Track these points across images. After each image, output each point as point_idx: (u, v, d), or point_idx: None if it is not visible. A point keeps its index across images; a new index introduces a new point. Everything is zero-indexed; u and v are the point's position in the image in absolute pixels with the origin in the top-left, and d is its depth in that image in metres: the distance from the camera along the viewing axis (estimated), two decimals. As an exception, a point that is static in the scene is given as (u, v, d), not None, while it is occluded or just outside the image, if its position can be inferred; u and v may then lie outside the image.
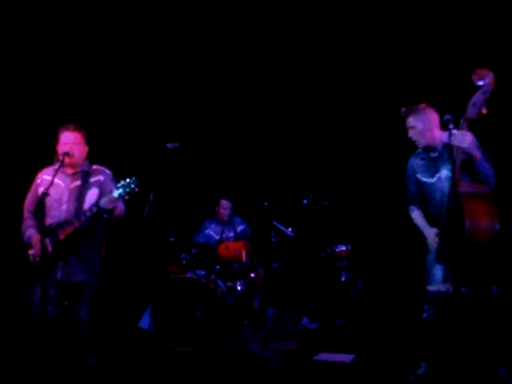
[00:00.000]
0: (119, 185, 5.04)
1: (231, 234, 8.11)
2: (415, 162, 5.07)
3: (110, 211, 5.20)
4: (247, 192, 8.58)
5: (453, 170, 4.43)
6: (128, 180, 5.03)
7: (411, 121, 4.89)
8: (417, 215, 5.07)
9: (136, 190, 5.05)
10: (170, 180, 7.48)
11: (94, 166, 5.51)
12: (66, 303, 5.21)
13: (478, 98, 4.41)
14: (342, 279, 7.53)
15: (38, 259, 5.09)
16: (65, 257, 5.18)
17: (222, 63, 8.36)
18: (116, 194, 5.02)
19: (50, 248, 5.10)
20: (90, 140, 5.59)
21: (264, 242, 7.85)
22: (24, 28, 7.48)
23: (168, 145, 6.29)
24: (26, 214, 5.43)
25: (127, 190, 5.02)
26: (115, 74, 8.28)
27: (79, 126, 5.42)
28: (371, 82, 8.00)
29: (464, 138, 4.39)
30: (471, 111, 4.42)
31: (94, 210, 5.08)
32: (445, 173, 4.81)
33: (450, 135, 4.40)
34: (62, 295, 5.25)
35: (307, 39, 7.96)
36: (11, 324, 6.72)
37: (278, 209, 7.80)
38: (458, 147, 4.42)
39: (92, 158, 5.61)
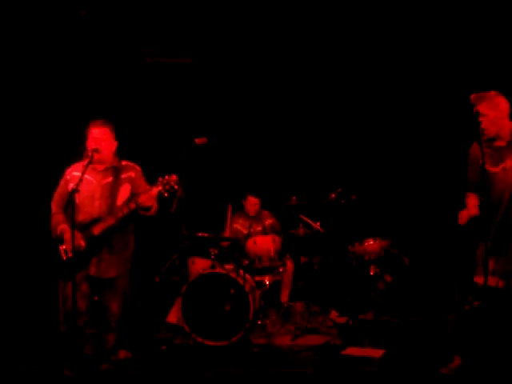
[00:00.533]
0: (159, 182, 5.05)
1: (259, 229, 8.10)
2: (480, 149, 4.79)
3: (148, 208, 5.21)
4: (275, 186, 8.55)
5: None
6: (168, 177, 5.05)
7: (483, 108, 4.76)
8: (470, 198, 4.92)
9: (176, 187, 5.06)
10: (198, 175, 7.51)
11: (124, 162, 5.53)
12: (96, 298, 5.24)
13: None
14: (371, 273, 7.49)
15: (70, 254, 5.11)
16: (98, 253, 5.21)
17: (249, 59, 8.36)
18: (156, 190, 5.04)
19: (83, 244, 5.12)
20: (118, 135, 5.62)
21: (292, 235, 7.84)
22: (47, 24, 7.50)
23: (196, 140, 6.31)
24: (54, 208, 5.46)
25: (167, 187, 5.04)
26: (144, 71, 8.33)
27: (108, 121, 5.43)
28: (403, 72, 7.96)
29: None
30: None
31: (133, 206, 5.10)
32: (510, 164, 4.73)
33: None
34: (94, 290, 5.29)
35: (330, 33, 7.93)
36: (43, 319, 6.79)
37: (306, 203, 7.76)
38: None
39: (121, 152, 5.64)
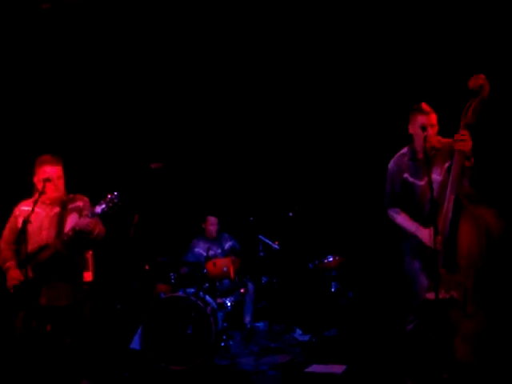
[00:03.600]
0: (102, 201, 5.06)
1: (219, 251, 8.12)
2: (403, 162, 4.93)
3: (90, 231, 5.18)
4: (233, 208, 8.58)
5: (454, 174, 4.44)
6: (110, 196, 5.06)
7: (434, 119, 4.78)
8: (404, 217, 4.88)
9: (119, 204, 5.07)
10: (155, 200, 7.51)
11: (71, 195, 5.49)
12: (48, 328, 5.19)
13: (476, 104, 4.42)
14: (332, 290, 7.54)
15: (18, 285, 5.08)
16: (47, 281, 5.17)
17: (204, 82, 8.37)
18: (99, 209, 5.03)
19: (30, 274, 5.06)
20: (72, 164, 5.59)
21: (252, 256, 7.88)
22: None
23: (151, 165, 6.32)
24: (2, 245, 5.40)
25: (110, 205, 5.04)
26: (98, 94, 8.29)
27: (58, 157, 5.36)
28: (356, 95, 8.03)
29: (466, 143, 4.39)
30: (471, 117, 4.43)
31: (76, 229, 5.08)
32: (434, 176, 4.69)
33: (455, 140, 4.43)
34: (46, 320, 5.24)
35: (297, 50, 7.99)
36: None
37: (264, 223, 7.81)
38: (460, 151, 4.42)
39: (74, 181, 5.62)
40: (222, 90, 8.47)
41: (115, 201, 5.05)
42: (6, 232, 5.44)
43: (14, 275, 5.09)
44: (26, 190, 5.52)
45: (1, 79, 7.65)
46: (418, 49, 7.27)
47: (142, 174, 6.16)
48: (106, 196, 5.06)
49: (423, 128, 4.70)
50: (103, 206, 5.04)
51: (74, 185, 5.58)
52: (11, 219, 5.43)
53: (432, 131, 4.73)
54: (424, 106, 4.82)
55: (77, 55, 7.82)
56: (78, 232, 5.07)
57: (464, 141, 4.40)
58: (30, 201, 5.35)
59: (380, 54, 7.57)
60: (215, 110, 8.66)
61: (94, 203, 5.21)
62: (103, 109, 8.39)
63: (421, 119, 4.75)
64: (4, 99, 7.75)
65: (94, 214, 5.05)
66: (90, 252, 7.35)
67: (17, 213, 5.39)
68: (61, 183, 5.33)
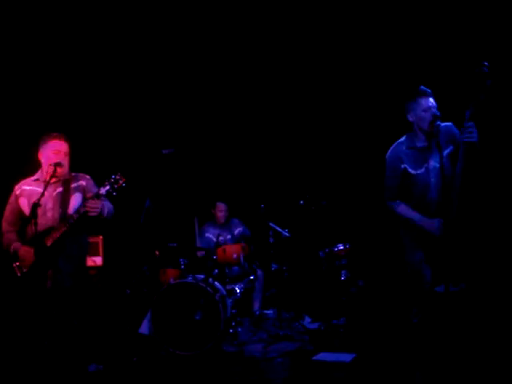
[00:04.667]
0: (106, 182, 5.05)
1: (229, 237, 8.14)
2: (401, 151, 4.86)
3: (97, 213, 5.16)
4: (244, 194, 8.58)
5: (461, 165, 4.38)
6: (114, 176, 5.04)
7: (433, 101, 4.76)
8: (406, 209, 4.81)
9: (123, 185, 5.05)
10: (167, 185, 7.51)
11: (74, 173, 5.46)
12: (55, 312, 5.19)
13: (482, 94, 4.33)
14: (342, 278, 7.52)
15: (25, 270, 5.08)
16: (53, 264, 5.16)
17: (216, 67, 8.36)
18: (103, 191, 5.02)
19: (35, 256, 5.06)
20: (84, 149, 5.59)
21: (262, 243, 7.88)
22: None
23: (163, 151, 6.31)
24: (6, 227, 5.36)
25: (115, 186, 5.02)
26: (111, 79, 8.27)
27: (65, 135, 5.34)
28: (367, 82, 7.99)
29: (473, 135, 4.36)
30: (476, 106, 4.36)
31: (82, 210, 5.05)
32: (432, 164, 4.71)
33: (465, 133, 4.36)
34: (53, 304, 5.24)
35: (296, 47, 7.98)
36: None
37: (275, 210, 7.80)
38: (468, 143, 4.36)
39: (86, 165, 5.62)
40: (235, 77, 8.46)
41: (119, 181, 5.03)
42: (8, 213, 5.38)
43: (24, 252, 5.05)
44: (26, 168, 5.51)
45: (11, 61, 7.64)
46: (419, 38, 7.24)
47: (153, 160, 6.13)
48: (110, 177, 5.05)
49: (427, 109, 4.68)
50: (107, 187, 5.02)
51: (84, 169, 5.57)
52: (12, 199, 5.36)
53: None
54: (424, 88, 4.78)
55: (90, 38, 7.79)
56: (82, 214, 5.06)
57: (472, 132, 4.36)
58: (31, 179, 5.35)
59: (382, 46, 7.57)
60: (228, 96, 8.66)
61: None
62: (116, 93, 8.38)
63: (424, 102, 4.72)
64: (17, 81, 7.75)
65: (99, 196, 5.03)
66: (101, 237, 7.42)
67: (17, 192, 5.33)
68: (66, 160, 5.31)
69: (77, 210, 5.07)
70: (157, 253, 7.27)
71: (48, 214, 5.22)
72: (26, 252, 5.05)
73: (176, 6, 7.50)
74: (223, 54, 8.17)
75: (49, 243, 5.07)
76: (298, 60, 8.22)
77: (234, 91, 8.61)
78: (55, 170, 5.11)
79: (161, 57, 8.17)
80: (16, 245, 5.19)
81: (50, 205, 5.24)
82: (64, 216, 5.16)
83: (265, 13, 7.51)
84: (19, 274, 5.11)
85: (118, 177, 5.04)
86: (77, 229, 5.21)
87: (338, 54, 7.97)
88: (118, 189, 5.04)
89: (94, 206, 5.02)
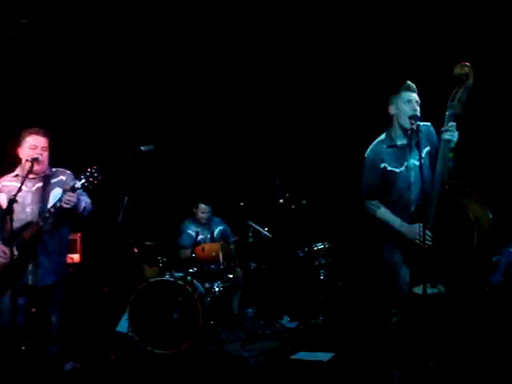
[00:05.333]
0: (82, 175, 5.02)
1: (208, 236, 8.11)
2: (381, 150, 4.78)
3: (72, 207, 5.12)
4: (223, 193, 8.55)
5: (441, 163, 4.38)
6: (90, 169, 5.02)
7: (417, 97, 4.72)
8: (385, 212, 4.75)
9: (99, 178, 5.03)
10: (145, 183, 7.47)
11: (54, 169, 5.44)
12: (33, 310, 5.16)
13: (463, 93, 4.33)
14: (321, 278, 7.53)
15: (4, 266, 5.04)
16: (33, 259, 5.13)
17: (198, 63, 8.32)
18: (79, 184, 4.99)
19: (16, 252, 5.01)
20: (61, 143, 5.55)
21: (241, 242, 7.87)
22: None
23: (142, 148, 6.27)
24: None
25: (90, 179, 5.00)
26: (92, 74, 8.22)
27: (45, 130, 5.33)
28: (346, 81, 8.01)
29: (454, 134, 4.35)
30: (457, 106, 4.35)
31: (58, 204, 5.02)
32: (412, 162, 4.66)
33: (447, 134, 4.35)
34: (31, 301, 5.21)
35: (287, 47, 7.97)
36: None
37: (254, 209, 7.79)
38: (448, 142, 4.36)
39: (63, 161, 5.58)
40: (215, 76, 8.44)
41: (95, 174, 5.02)
42: None
43: (1, 253, 5.03)
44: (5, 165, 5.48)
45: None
46: (402, 36, 7.27)
47: (131, 156, 6.09)
48: (86, 170, 5.03)
49: (409, 102, 4.65)
50: (83, 180, 5.00)
51: (63, 165, 5.53)
52: None
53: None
54: (409, 83, 4.75)
55: (74, 35, 7.74)
56: (59, 208, 5.02)
57: (453, 131, 4.37)
58: (11, 175, 5.34)
59: (363, 44, 7.59)
60: (208, 95, 8.64)
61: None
62: (96, 89, 8.34)
63: (407, 95, 4.68)
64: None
65: (74, 189, 5.00)
66: (79, 234, 7.38)
67: None
68: (45, 155, 5.28)
69: (53, 204, 5.04)
70: (135, 250, 7.23)
71: (27, 210, 5.21)
72: (2, 251, 5.01)
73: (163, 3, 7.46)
74: (205, 49, 8.12)
75: (27, 237, 5.04)
76: (278, 59, 8.21)
77: (216, 91, 8.59)
78: (32, 166, 5.08)
79: (142, 52, 8.11)
80: None
81: (28, 200, 5.22)
82: (43, 211, 5.13)
83: (256, 11, 7.47)
84: None
85: (93, 170, 5.02)
86: (56, 224, 5.19)
87: (317, 54, 7.96)
88: (94, 182, 5.02)
89: (69, 199, 4.98)
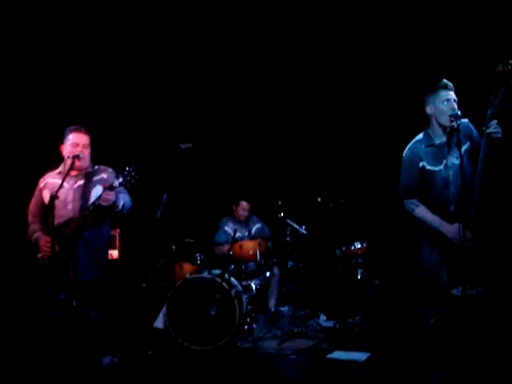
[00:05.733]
0: (119, 174, 5.07)
1: (246, 234, 8.14)
2: (420, 149, 4.78)
3: (112, 204, 5.19)
4: (261, 191, 8.56)
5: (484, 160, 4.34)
6: (128, 168, 5.07)
7: (454, 95, 4.69)
8: (424, 210, 4.74)
9: (136, 177, 5.08)
10: (184, 180, 7.51)
11: (96, 166, 5.52)
12: (74, 303, 5.21)
13: (505, 91, 4.26)
14: (358, 277, 7.49)
15: (47, 261, 5.13)
16: (74, 255, 5.19)
17: (237, 64, 8.35)
18: (117, 183, 5.05)
19: (57, 248, 5.07)
20: (103, 141, 5.62)
21: (279, 240, 7.87)
22: (25, 27, 7.46)
23: (181, 145, 6.32)
24: (30, 219, 5.47)
25: (128, 178, 5.05)
26: (131, 73, 8.28)
27: (86, 128, 5.41)
28: (386, 78, 7.94)
29: (498, 131, 4.31)
30: (499, 105, 4.30)
31: (97, 202, 5.08)
32: (451, 160, 4.65)
33: (491, 128, 4.31)
34: (72, 295, 5.26)
35: (319, 39, 7.94)
36: (25, 329, 6.72)
37: (292, 207, 7.79)
38: (492, 139, 4.31)
39: (104, 159, 5.64)
40: (254, 74, 8.44)
41: (133, 173, 5.06)
42: (32, 206, 5.49)
43: (45, 242, 5.14)
44: (50, 162, 5.56)
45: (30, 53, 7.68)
46: (440, 32, 7.18)
47: (171, 154, 6.14)
48: (124, 169, 5.08)
49: (447, 101, 4.62)
50: (121, 179, 5.05)
51: (103, 162, 5.60)
52: (36, 192, 5.47)
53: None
54: (446, 81, 4.72)
55: (112, 34, 7.82)
56: (98, 206, 5.08)
57: (497, 128, 4.31)
58: (55, 172, 5.44)
59: (403, 41, 7.51)
60: (247, 93, 8.64)
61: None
62: (136, 87, 8.40)
63: (444, 94, 4.66)
64: (33, 74, 7.79)
65: (112, 187, 5.07)
66: (118, 230, 7.45)
67: (41, 185, 5.44)
68: (87, 152, 5.36)
69: (92, 202, 5.11)
70: (173, 247, 7.29)
71: (69, 207, 5.28)
72: (46, 242, 5.11)
73: (200, 6, 7.51)
74: (244, 50, 8.15)
75: (67, 233, 5.12)
76: (315, 57, 8.19)
77: (254, 88, 8.59)
78: (73, 163, 5.15)
79: (181, 50, 8.16)
80: (38, 234, 5.30)
81: (70, 197, 5.30)
82: (84, 208, 5.20)
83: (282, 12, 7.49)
84: (41, 266, 5.16)
85: (131, 169, 5.07)
86: (96, 221, 5.26)
87: (358, 49, 7.92)
88: (131, 181, 5.07)
89: (107, 198, 5.05)
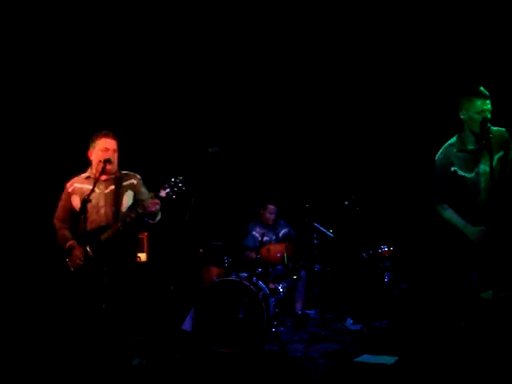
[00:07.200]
0: (167, 184, 5.12)
1: (273, 238, 8.16)
2: (451, 154, 4.78)
3: (153, 214, 5.25)
4: (289, 194, 8.58)
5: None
6: (175, 179, 5.11)
7: (489, 105, 4.64)
8: (452, 213, 4.76)
9: (184, 188, 5.12)
10: (211, 184, 7.55)
11: (124, 171, 5.54)
12: (103, 306, 5.25)
13: None
14: (385, 280, 7.48)
15: (80, 264, 5.16)
16: (108, 260, 5.23)
17: (264, 70, 8.39)
18: (164, 193, 5.09)
19: (91, 253, 5.13)
20: (130, 147, 5.67)
21: (306, 243, 7.88)
22: (48, 33, 7.55)
23: (209, 149, 6.35)
24: (58, 224, 5.48)
25: (175, 189, 5.10)
26: (159, 78, 8.35)
27: (113, 133, 5.44)
28: (419, 82, 7.92)
29: None
30: None
31: (140, 211, 5.13)
32: (483, 167, 4.63)
33: None
34: (103, 299, 5.30)
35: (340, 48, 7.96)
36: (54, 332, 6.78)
37: (319, 211, 7.80)
38: None
39: (133, 163, 5.69)
40: (281, 79, 8.46)
41: (179, 185, 5.11)
42: (60, 211, 5.50)
43: (80, 254, 5.16)
44: (76, 167, 5.59)
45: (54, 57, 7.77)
46: (472, 35, 7.14)
47: (199, 158, 6.18)
48: (170, 179, 5.12)
49: (481, 112, 4.58)
50: (167, 189, 5.10)
51: (131, 167, 5.64)
52: (64, 196, 5.48)
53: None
54: (482, 89, 4.67)
55: (139, 41, 7.89)
56: (141, 214, 5.13)
57: None
58: (82, 177, 5.46)
59: (433, 39, 7.48)
60: (275, 97, 8.67)
61: (153, 186, 5.29)
62: (163, 92, 8.45)
63: (479, 104, 4.61)
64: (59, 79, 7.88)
65: (158, 197, 5.11)
66: (146, 233, 7.50)
67: (69, 190, 5.44)
68: (116, 157, 5.39)
69: (134, 210, 5.13)
70: (201, 251, 7.33)
71: (101, 211, 5.31)
72: (80, 253, 5.13)
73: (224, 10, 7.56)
74: (269, 57, 8.18)
75: (104, 239, 5.14)
76: (344, 65, 8.21)
77: (280, 93, 8.61)
78: (105, 167, 5.19)
79: (210, 55, 8.21)
80: (72, 243, 5.29)
81: (102, 202, 5.33)
82: (117, 213, 5.26)
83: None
84: (72, 269, 5.20)
85: (178, 180, 5.10)
86: (131, 231, 5.30)
87: (388, 52, 7.92)
88: (178, 192, 5.11)
89: (155, 207, 5.12)
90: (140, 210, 5.12)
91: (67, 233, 5.41)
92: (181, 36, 7.91)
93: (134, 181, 5.49)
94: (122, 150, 5.50)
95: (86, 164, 5.51)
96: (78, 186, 5.42)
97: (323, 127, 8.71)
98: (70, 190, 5.45)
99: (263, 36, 7.99)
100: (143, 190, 5.46)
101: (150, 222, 5.35)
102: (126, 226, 5.16)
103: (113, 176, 5.41)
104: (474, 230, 4.55)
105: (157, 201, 5.13)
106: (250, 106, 8.74)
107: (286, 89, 8.60)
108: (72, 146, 6.55)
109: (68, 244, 5.31)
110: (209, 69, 8.40)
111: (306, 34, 7.98)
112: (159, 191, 5.13)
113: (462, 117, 4.75)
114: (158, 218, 5.36)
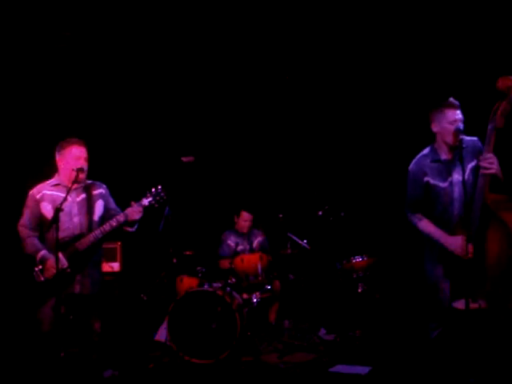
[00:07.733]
0: (149, 194, 5.15)
1: (247, 247, 8.14)
2: (425, 164, 4.78)
3: (133, 223, 5.22)
4: (262, 204, 8.58)
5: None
6: (156, 188, 5.14)
7: (460, 114, 4.66)
8: (428, 224, 4.74)
9: (164, 197, 5.17)
10: (185, 193, 7.53)
11: (90, 181, 5.43)
12: (70, 317, 5.18)
13: (505, 106, 4.28)
14: (359, 290, 7.50)
15: (50, 277, 5.08)
16: (81, 269, 5.18)
17: (237, 76, 8.37)
18: (146, 202, 5.10)
19: (66, 263, 5.04)
20: (103, 157, 5.63)
21: (280, 254, 7.88)
22: (22, 41, 7.45)
23: (183, 158, 6.34)
24: (26, 232, 5.24)
25: (157, 198, 5.15)
26: (130, 86, 8.29)
27: (83, 140, 5.34)
28: (390, 92, 7.97)
29: (492, 168, 4.31)
30: (499, 120, 4.30)
31: (121, 219, 5.10)
32: (456, 177, 4.64)
33: (484, 162, 4.32)
34: (71, 309, 5.22)
35: (316, 56, 7.97)
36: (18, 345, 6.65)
37: (293, 221, 7.81)
38: (486, 175, 4.32)
39: (105, 173, 5.65)
40: (253, 87, 8.47)
41: (161, 194, 5.16)
42: (27, 217, 5.26)
43: (53, 263, 4.97)
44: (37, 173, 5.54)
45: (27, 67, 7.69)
46: (442, 47, 7.20)
47: (172, 167, 6.17)
48: (151, 189, 5.13)
49: (453, 122, 4.61)
50: (150, 198, 5.14)
51: (105, 178, 5.60)
52: (31, 203, 5.25)
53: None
54: (453, 100, 4.70)
55: (110, 46, 7.83)
56: (123, 222, 5.11)
57: (492, 163, 4.31)
58: (50, 184, 5.30)
59: (402, 53, 7.53)
60: (249, 106, 8.67)
61: (128, 195, 5.26)
62: (135, 100, 8.41)
63: (451, 114, 4.62)
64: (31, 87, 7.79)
65: (141, 206, 5.11)
66: (119, 243, 7.46)
67: (37, 196, 5.23)
68: (86, 166, 5.29)
69: (115, 218, 5.10)
70: (174, 260, 7.30)
71: (74, 220, 5.23)
72: (54, 263, 5.03)
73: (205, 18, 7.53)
74: (246, 63, 8.16)
75: (81, 248, 5.09)
76: (318, 71, 8.23)
77: (255, 100, 8.62)
78: (77, 176, 5.13)
79: (181, 64, 8.17)
80: (44, 253, 5.12)
81: (75, 210, 5.25)
82: (91, 222, 5.21)
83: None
84: (42, 279, 5.11)
85: (159, 190, 5.15)
86: (105, 239, 5.27)
87: (361, 63, 7.94)
88: (160, 201, 5.17)
89: (138, 213, 5.12)
90: (121, 219, 5.09)
91: (36, 242, 5.24)
92: (155, 44, 7.86)
93: (102, 190, 5.43)
94: (93, 159, 5.43)
95: (41, 170, 5.45)
96: (48, 192, 5.25)
97: (297, 137, 8.74)
98: (37, 196, 5.24)
99: (238, 43, 7.97)
100: (111, 199, 5.44)
101: (129, 230, 5.31)
102: (105, 235, 5.13)
103: (82, 184, 5.34)
104: (451, 239, 4.55)
105: (140, 208, 5.12)
106: (225, 115, 8.73)
107: (261, 99, 8.61)
108: (31, 152, 6.44)
109: (40, 254, 5.14)
110: (182, 78, 8.36)
111: (285, 46, 7.98)
112: (141, 200, 5.13)
113: (434, 129, 4.77)
114: (136, 226, 5.32)
